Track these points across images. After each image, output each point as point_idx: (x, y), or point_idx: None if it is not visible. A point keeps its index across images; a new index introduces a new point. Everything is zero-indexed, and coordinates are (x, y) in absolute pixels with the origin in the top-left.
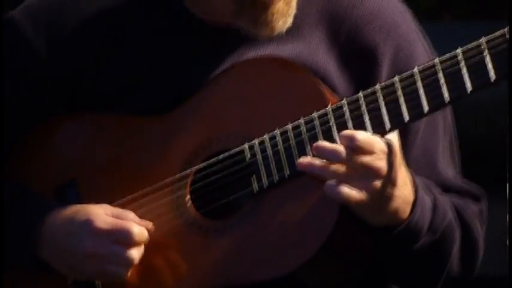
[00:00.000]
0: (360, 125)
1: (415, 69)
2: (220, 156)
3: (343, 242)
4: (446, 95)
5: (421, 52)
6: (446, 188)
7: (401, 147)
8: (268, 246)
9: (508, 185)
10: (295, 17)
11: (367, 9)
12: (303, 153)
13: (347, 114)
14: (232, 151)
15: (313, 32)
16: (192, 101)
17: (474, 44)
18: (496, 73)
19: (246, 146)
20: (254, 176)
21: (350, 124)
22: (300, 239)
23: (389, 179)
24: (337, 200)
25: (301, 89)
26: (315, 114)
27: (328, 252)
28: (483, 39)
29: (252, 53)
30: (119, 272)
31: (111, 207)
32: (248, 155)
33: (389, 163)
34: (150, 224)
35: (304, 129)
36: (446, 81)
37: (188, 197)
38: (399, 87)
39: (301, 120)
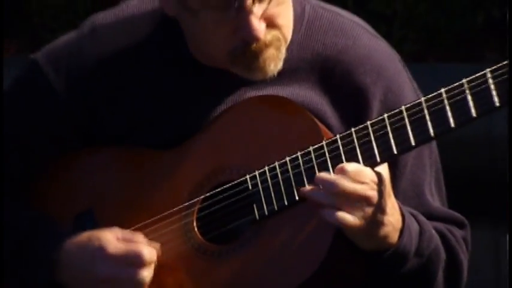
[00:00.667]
0: (352, 158)
1: (403, 107)
2: (225, 187)
3: (335, 265)
4: (431, 130)
5: (409, 92)
6: (433, 217)
7: (390, 179)
8: (268, 268)
9: (508, 192)
10: (292, 61)
11: (357, 53)
12: (300, 183)
13: (340, 148)
14: (235, 182)
15: (309, 75)
16: (197, 136)
17: (456, 84)
18: (476, 110)
19: (248, 177)
20: (255, 205)
21: (343, 157)
22: (298, 261)
23: (380, 207)
24: (333, 223)
25: (299, 126)
26: (311, 148)
27: (322, 275)
28: (464, 80)
29: (251, 93)
30: None
31: (121, 230)
32: (250, 186)
33: (380, 192)
34: (158, 245)
35: (301, 161)
36: (431, 118)
37: (195, 223)
38: (388, 124)
39: (299, 154)
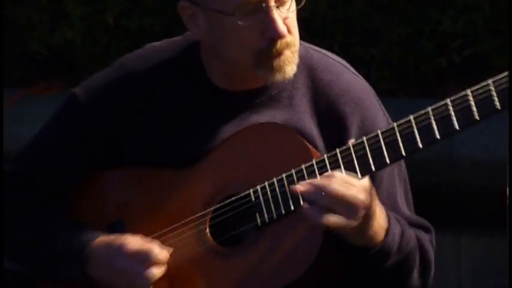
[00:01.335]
0: None
1: (379, 131)
2: (232, 199)
3: (324, 263)
4: (403, 150)
5: (381, 119)
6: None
7: None
8: (268, 265)
9: (508, 194)
10: (287, 90)
11: (340, 86)
12: (295, 195)
13: (328, 165)
14: (241, 195)
15: (301, 102)
16: (208, 157)
17: (423, 111)
18: (440, 133)
19: (251, 190)
20: (257, 213)
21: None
22: (294, 259)
23: (369, 209)
24: (322, 224)
25: (292, 148)
26: (303, 166)
27: (311, 270)
28: (429, 108)
29: (254, 116)
30: (143, 285)
31: (141, 237)
32: (253, 198)
33: (369, 196)
34: (170, 249)
35: (295, 177)
36: (402, 140)
37: (208, 230)
38: (367, 145)
39: (293, 171)
